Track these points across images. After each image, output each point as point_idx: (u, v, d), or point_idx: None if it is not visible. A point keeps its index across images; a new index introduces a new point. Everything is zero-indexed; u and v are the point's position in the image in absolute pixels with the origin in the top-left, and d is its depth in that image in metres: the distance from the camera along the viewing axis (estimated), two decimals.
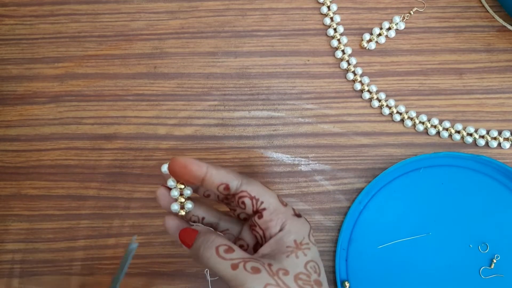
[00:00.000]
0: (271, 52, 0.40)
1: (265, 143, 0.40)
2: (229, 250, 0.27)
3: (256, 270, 0.26)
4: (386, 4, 0.41)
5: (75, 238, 0.39)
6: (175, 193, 0.30)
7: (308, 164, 0.39)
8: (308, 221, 0.29)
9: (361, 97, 0.40)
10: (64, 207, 0.39)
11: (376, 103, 0.40)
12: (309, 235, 0.28)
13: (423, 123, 0.39)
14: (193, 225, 0.30)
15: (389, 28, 0.40)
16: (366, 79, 0.40)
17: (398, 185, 0.39)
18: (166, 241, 0.39)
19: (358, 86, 0.40)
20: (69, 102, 0.40)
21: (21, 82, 0.41)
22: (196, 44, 0.41)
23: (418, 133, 0.40)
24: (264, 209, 0.28)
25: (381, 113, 0.40)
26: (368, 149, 0.39)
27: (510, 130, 0.39)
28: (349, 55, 0.40)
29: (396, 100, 0.40)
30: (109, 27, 0.41)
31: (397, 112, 0.40)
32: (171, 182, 0.30)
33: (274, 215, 0.28)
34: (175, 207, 0.30)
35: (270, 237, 0.28)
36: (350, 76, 0.40)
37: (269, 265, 0.27)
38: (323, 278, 0.28)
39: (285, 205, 0.29)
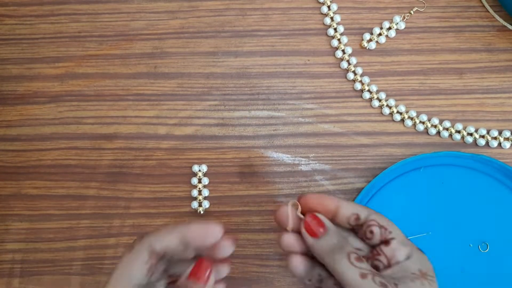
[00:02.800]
0: (271, 52, 0.40)
1: (265, 143, 0.40)
2: (359, 259, 0.27)
3: (384, 286, 0.26)
4: (386, 3, 0.41)
5: (75, 238, 0.39)
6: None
7: (308, 164, 0.39)
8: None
9: (361, 97, 0.40)
10: (64, 207, 0.39)
11: (376, 103, 0.40)
12: (432, 270, 0.29)
13: (423, 122, 0.39)
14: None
15: (390, 28, 0.40)
16: (366, 79, 0.40)
17: (398, 185, 0.39)
18: None
19: (358, 86, 0.40)
20: (69, 102, 0.40)
21: (21, 82, 0.41)
22: (196, 44, 0.41)
23: (418, 132, 0.40)
24: (392, 238, 0.29)
25: (381, 112, 0.40)
26: (368, 149, 0.39)
27: (510, 130, 0.39)
28: (350, 55, 0.40)
29: (396, 100, 0.40)
30: (109, 27, 0.41)
31: (398, 112, 0.40)
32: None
33: (402, 245, 0.29)
34: (194, 205, 0.36)
35: (396, 264, 0.29)
36: (351, 76, 0.40)
37: (395, 284, 0.27)
38: None
39: (408, 239, 0.30)
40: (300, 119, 0.40)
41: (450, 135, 0.39)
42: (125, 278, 0.28)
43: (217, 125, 0.40)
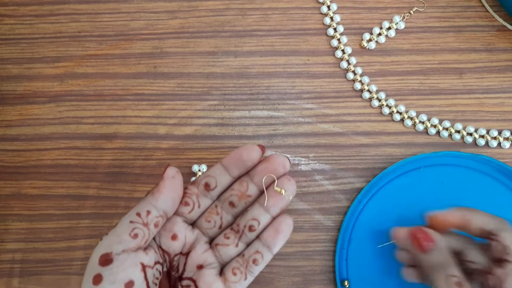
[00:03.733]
0: (271, 52, 0.40)
1: (265, 143, 0.40)
2: (459, 284, 0.27)
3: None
4: (386, 3, 0.41)
5: (75, 237, 0.39)
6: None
7: (308, 163, 0.39)
8: None
9: (361, 96, 0.40)
10: (64, 206, 0.39)
11: (376, 103, 0.40)
12: None
13: (423, 122, 0.39)
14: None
15: (389, 28, 0.40)
16: (366, 79, 0.40)
17: (398, 185, 0.39)
18: None
19: (358, 86, 0.40)
20: (69, 101, 0.40)
21: (21, 81, 0.41)
22: (196, 44, 0.41)
23: (418, 132, 0.40)
24: (509, 261, 0.28)
25: (381, 112, 0.40)
26: (368, 148, 0.39)
27: (510, 130, 0.39)
28: (349, 55, 0.40)
29: (396, 100, 0.40)
30: (109, 27, 0.41)
31: (397, 112, 0.40)
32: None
33: None
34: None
35: None
36: (350, 75, 0.40)
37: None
38: None
39: None
40: (300, 119, 0.40)
41: (450, 135, 0.39)
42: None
43: (217, 125, 0.40)
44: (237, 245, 0.29)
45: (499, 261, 0.28)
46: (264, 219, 0.29)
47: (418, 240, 0.29)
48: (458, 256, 0.31)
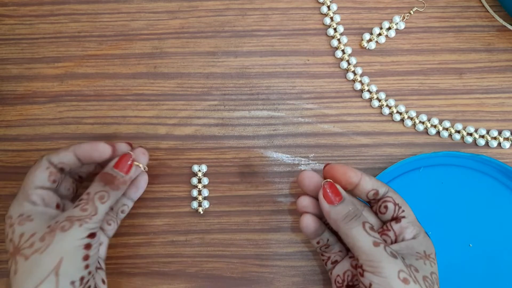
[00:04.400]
0: (271, 52, 0.40)
1: (265, 143, 0.40)
2: (373, 229, 0.29)
3: (394, 256, 0.28)
4: (386, 4, 0.41)
5: None
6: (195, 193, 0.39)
7: (308, 164, 0.39)
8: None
9: (361, 97, 0.40)
10: None
11: (376, 103, 0.40)
12: (434, 254, 0.31)
13: (423, 122, 0.39)
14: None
15: (389, 28, 0.40)
16: (366, 79, 0.40)
17: (398, 185, 0.39)
18: (166, 241, 0.39)
19: (358, 86, 0.40)
20: (69, 102, 0.40)
21: (21, 82, 0.41)
22: (196, 44, 0.41)
23: (418, 132, 0.40)
24: (403, 216, 0.31)
25: (381, 113, 0.40)
26: (368, 149, 0.39)
27: (510, 130, 0.39)
28: (349, 55, 0.40)
29: (396, 100, 0.40)
30: (109, 27, 0.41)
31: (397, 112, 0.40)
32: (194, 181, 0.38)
33: (411, 224, 0.31)
34: (194, 205, 0.39)
35: (402, 241, 0.31)
36: (350, 76, 0.40)
37: (402, 257, 0.29)
38: None
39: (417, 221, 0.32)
40: (300, 119, 0.40)
41: (450, 135, 0.39)
42: (29, 183, 0.32)
43: (217, 125, 0.40)
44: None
45: (395, 219, 0.31)
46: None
47: (327, 195, 0.31)
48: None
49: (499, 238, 0.38)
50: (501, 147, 0.39)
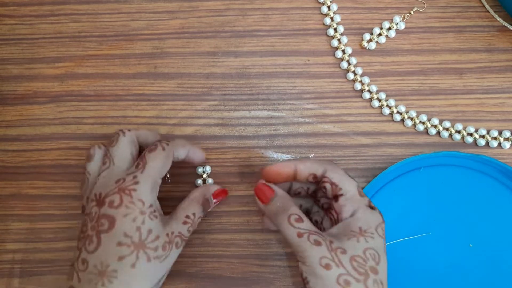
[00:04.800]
0: (271, 52, 0.40)
1: (265, 143, 0.40)
2: (299, 220, 0.30)
3: (317, 243, 0.29)
4: (386, 4, 0.41)
5: (75, 238, 0.39)
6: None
7: None
8: (382, 216, 0.31)
9: (361, 97, 0.40)
10: (64, 207, 0.39)
11: (376, 103, 0.40)
12: (376, 227, 0.30)
13: (423, 123, 0.39)
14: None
15: (389, 28, 0.40)
16: (366, 79, 0.40)
17: (398, 185, 0.39)
18: None
19: (358, 86, 0.40)
20: (69, 102, 0.40)
21: (21, 82, 0.41)
22: (196, 44, 0.41)
23: (418, 133, 0.40)
24: (341, 194, 0.31)
25: (381, 113, 0.40)
26: (368, 149, 0.39)
27: (510, 130, 0.39)
28: (349, 55, 0.40)
29: (396, 100, 0.40)
30: (109, 27, 0.41)
31: (397, 112, 0.40)
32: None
33: (349, 202, 0.31)
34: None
35: (341, 221, 0.31)
36: (350, 76, 0.40)
37: (331, 242, 0.29)
38: (382, 269, 0.29)
39: (362, 196, 0.32)
40: (300, 119, 0.40)
41: (450, 135, 0.39)
42: (160, 170, 0.32)
43: (217, 125, 0.40)
44: None
45: (335, 198, 0.32)
46: None
47: (259, 195, 0.32)
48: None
49: (499, 238, 0.38)
50: (502, 147, 0.39)
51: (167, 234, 0.31)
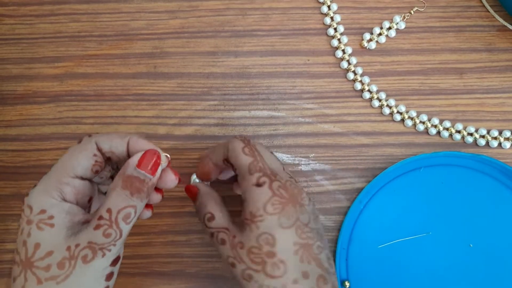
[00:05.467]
0: (271, 52, 0.40)
1: (265, 143, 0.40)
2: (211, 218, 0.29)
3: (223, 242, 0.28)
4: (386, 3, 0.41)
5: None
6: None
7: (308, 164, 0.39)
8: (271, 191, 0.27)
9: (361, 96, 0.40)
10: None
11: (376, 103, 0.40)
12: (265, 206, 0.27)
13: (423, 122, 0.39)
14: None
15: (390, 28, 0.40)
16: (366, 79, 0.40)
17: (398, 185, 0.39)
18: (166, 241, 0.39)
19: (358, 86, 0.40)
20: (69, 102, 0.40)
21: (21, 81, 0.40)
22: (196, 44, 0.40)
23: (419, 132, 0.40)
24: (238, 175, 0.29)
25: (382, 112, 0.40)
26: (368, 148, 0.39)
27: (510, 130, 0.39)
28: (350, 55, 0.40)
29: (396, 100, 0.40)
30: (109, 27, 0.41)
31: (398, 112, 0.40)
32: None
33: (242, 182, 0.29)
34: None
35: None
36: (351, 75, 0.40)
37: (234, 237, 0.28)
38: (280, 248, 0.26)
39: (252, 173, 0.28)
40: (300, 119, 0.40)
41: (450, 135, 0.39)
42: (67, 168, 0.27)
43: (217, 125, 0.40)
44: None
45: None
46: None
47: (188, 195, 0.32)
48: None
49: (499, 238, 0.38)
50: (502, 147, 0.39)
51: (68, 248, 0.25)
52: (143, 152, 0.28)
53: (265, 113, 0.40)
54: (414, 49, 0.40)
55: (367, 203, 0.39)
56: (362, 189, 0.38)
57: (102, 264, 0.26)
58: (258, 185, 0.28)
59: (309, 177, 0.39)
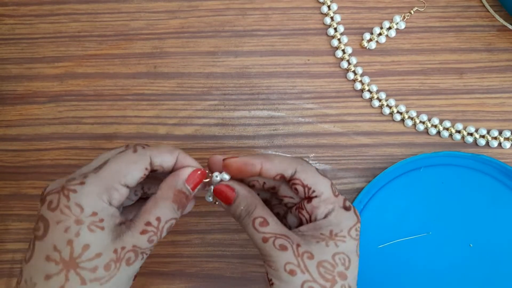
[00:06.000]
0: (271, 52, 0.40)
1: (265, 143, 0.40)
2: (264, 223, 0.28)
3: (283, 248, 0.27)
4: (386, 3, 0.41)
5: None
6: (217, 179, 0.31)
7: None
8: (357, 216, 0.29)
9: (361, 96, 0.40)
10: None
11: (376, 103, 0.40)
12: (349, 230, 0.28)
13: (423, 122, 0.39)
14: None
15: (390, 28, 0.40)
16: (366, 79, 0.40)
17: (398, 185, 0.39)
18: (166, 241, 0.39)
19: (358, 86, 0.40)
20: (69, 101, 0.40)
21: (21, 81, 0.40)
22: (196, 44, 0.40)
23: (419, 132, 0.40)
24: (315, 196, 0.29)
25: (382, 112, 0.40)
26: (368, 148, 0.39)
27: (510, 130, 0.39)
28: (350, 55, 0.40)
29: (396, 100, 0.40)
30: (109, 27, 0.41)
31: (398, 112, 0.40)
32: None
33: (323, 203, 0.29)
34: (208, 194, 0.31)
35: (312, 222, 0.29)
36: (351, 75, 0.40)
37: (298, 245, 0.28)
38: (351, 273, 0.28)
39: (337, 195, 0.29)
40: (300, 119, 0.40)
41: (450, 135, 0.39)
42: (121, 174, 0.27)
43: (217, 125, 0.40)
44: None
45: (308, 199, 0.29)
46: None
47: (220, 197, 0.30)
48: (275, 195, 0.32)
49: (499, 238, 0.38)
50: (502, 147, 0.39)
51: (115, 250, 0.26)
52: (193, 169, 0.30)
53: (265, 113, 0.40)
54: (414, 49, 0.40)
55: (367, 203, 0.39)
56: (362, 189, 0.38)
57: (138, 266, 0.27)
58: (346, 208, 0.29)
59: None
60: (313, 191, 0.29)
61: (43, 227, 0.25)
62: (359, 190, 0.39)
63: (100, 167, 0.27)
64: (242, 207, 0.29)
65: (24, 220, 0.39)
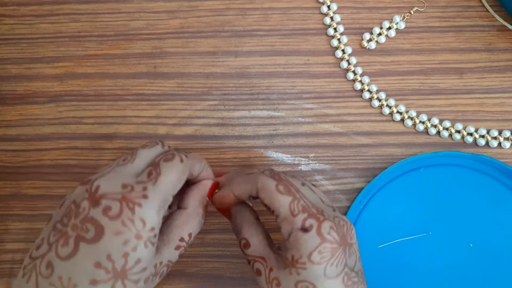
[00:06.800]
0: (271, 52, 0.40)
1: (265, 143, 0.40)
2: (246, 245, 0.29)
3: (258, 272, 0.28)
4: (386, 3, 0.41)
5: None
6: None
7: (308, 164, 0.39)
8: (320, 236, 0.26)
9: (361, 96, 0.40)
10: None
11: (376, 103, 0.40)
12: (310, 255, 0.26)
13: (423, 122, 0.39)
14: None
15: (390, 28, 0.40)
16: (366, 79, 0.40)
17: (398, 185, 0.39)
18: None
19: (358, 86, 0.40)
20: (69, 101, 0.40)
21: (21, 81, 0.41)
22: (196, 44, 0.40)
23: (418, 132, 0.40)
24: (276, 216, 0.27)
25: (381, 112, 0.40)
26: (368, 148, 0.39)
27: (510, 130, 0.39)
28: (349, 55, 0.40)
29: (396, 100, 0.40)
30: (109, 27, 0.41)
31: (397, 112, 0.40)
32: None
33: (282, 223, 0.27)
34: None
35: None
36: (350, 75, 0.40)
37: (270, 270, 0.27)
38: None
39: (296, 214, 0.27)
40: (300, 119, 0.40)
41: (450, 135, 0.39)
42: (171, 187, 0.27)
43: (217, 125, 0.40)
44: None
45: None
46: None
47: (223, 214, 0.32)
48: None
49: (499, 238, 0.38)
50: (502, 147, 0.39)
51: (155, 265, 0.26)
52: (211, 182, 0.31)
53: (265, 113, 0.40)
54: (414, 49, 0.40)
55: (367, 203, 0.39)
56: (362, 189, 0.38)
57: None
58: (305, 230, 0.26)
59: (309, 177, 0.39)
60: (273, 211, 0.27)
61: (95, 231, 0.24)
62: (359, 190, 0.39)
63: (155, 177, 0.26)
64: (234, 224, 0.30)
65: (24, 220, 0.39)
